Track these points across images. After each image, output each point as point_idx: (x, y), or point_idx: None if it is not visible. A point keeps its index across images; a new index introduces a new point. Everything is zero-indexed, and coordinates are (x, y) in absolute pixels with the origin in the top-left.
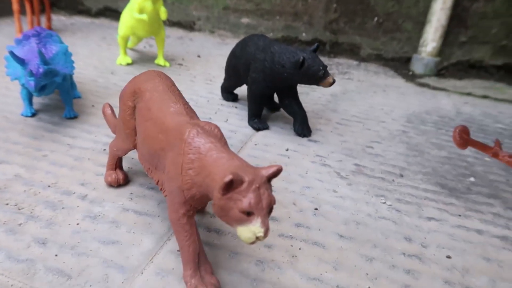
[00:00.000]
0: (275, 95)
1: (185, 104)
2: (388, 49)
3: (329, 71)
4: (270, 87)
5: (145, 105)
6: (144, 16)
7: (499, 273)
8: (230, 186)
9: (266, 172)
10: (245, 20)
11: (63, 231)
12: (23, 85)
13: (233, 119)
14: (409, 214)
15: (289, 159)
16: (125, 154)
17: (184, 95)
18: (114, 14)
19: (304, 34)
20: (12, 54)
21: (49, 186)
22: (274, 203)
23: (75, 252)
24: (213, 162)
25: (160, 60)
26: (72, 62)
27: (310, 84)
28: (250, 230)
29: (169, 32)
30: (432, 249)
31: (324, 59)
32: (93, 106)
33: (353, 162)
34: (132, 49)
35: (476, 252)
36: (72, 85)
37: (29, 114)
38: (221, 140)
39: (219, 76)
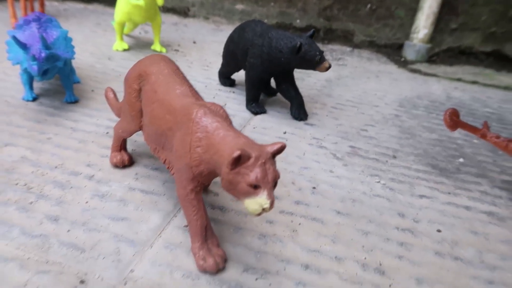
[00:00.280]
0: (272, 81)
1: (190, 86)
2: (381, 35)
3: None
4: (268, 72)
5: (151, 88)
6: (141, 2)
7: (486, 245)
8: (238, 161)
9: (271, 149)
10: (239, 6)
11: (73, 209)
12: (24, 69)
13: (231, 104)
14: (402, 192)
15: (287, 142)
16: (130, 135)
17: None
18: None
19: (298, 21)
20: (14, 39)
21: (56, 167)
22: (279, 177)
23: (86, 228)
24: (221, 140)
25: (157, 46)
26: (73, 47)
27: (307, 68)
28: (256, 202)
29: (163, 18)
30: (423, 224)
31: (318, 46)
32: (92, 91)
33: (348, 144)
34: (128, 35)
35: (465, 226)
36: (72, 70)
37: (30, 99)
38: (227, 119)
39: (215, 62)
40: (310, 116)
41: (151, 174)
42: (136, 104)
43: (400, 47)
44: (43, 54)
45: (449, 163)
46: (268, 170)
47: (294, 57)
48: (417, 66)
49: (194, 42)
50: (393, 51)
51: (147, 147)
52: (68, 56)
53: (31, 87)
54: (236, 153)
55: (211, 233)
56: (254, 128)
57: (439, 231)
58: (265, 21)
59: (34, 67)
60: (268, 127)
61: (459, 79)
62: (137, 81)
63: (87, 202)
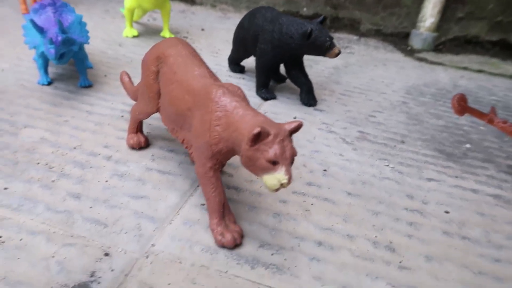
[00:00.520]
0: (281, 67)
1: (207, 68)
2: (388, 24)
3: None
4: (278, 58)
5: (169, 69)
6: None
7: (492, 226)
8: (258, 138)
9: (288, 127)
10: None
11: (94, 187)
12: (41, 53)
13: None
14: (410, 175)
15: None
16: (147, 117)
17: None
18: None
19: (305, 9)
20: (32, 22)
21: (74, 148)
22: (296, 154)
23: (107, 205)
24: (240, 118)
25: (166, 33)
26: (87, 31)
27: (317, 54)
28: (275, 177)
29: (171, 5)
30: (432, 206)
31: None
32: (105, 76)
33: (357, 130)
34: (136, 22)
35: (472, 208)
36: (85, 55)
37: (46, 83)
38: (245, 99)
39: (224, 49)
40: (319, 102)
41: (166, 155)
42: (154, 85)
43: (406, 35)
44: (59, 38)
45: (456, 149)
46: (286, 147)
47: (305, 43)
48: (423, 55)
49: (203, 30)
50: (399, 39)
51: (162, 130)
52: (83, 41)
53: (46, 72)
54: (256, 130)
55: (228, 210)
56: (264, 113)
57: (447, 212)
58: (266, 6)
59: (51, 51)
60: (278, 113)
61: (465, 68)
62: (155, 63)
63: (106, 181)
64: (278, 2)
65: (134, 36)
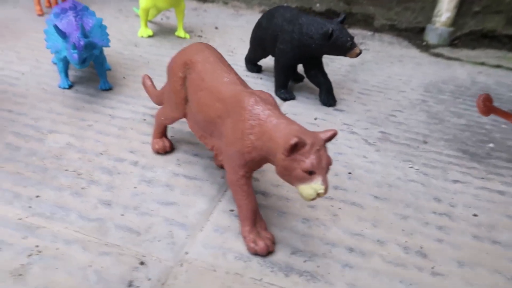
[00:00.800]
0: (299, 67)
1: (236, 74)
2: (402, 19)
3: None
4: (298, 58)
5: (197, 76)
6: None
7: None
8: (295, 148)
9: (324, 136)
10: None
11: (123, 193)
12: (64, 57)
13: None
14: (435, 177)
15: (318, 128)
16: (173, 122)
17: None
18: None
19: (318, 5)
20: (56, 27)
21: (101, 153)
22: (331, 163)
23: (138, 212)
24: (274, 127)
25: (181, 32)
26: (107, 35)
27: (338, 55)
28: (311, 187)
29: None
30: (459, 209)
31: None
32: (124, 78)
33: (379, 130)
34: (150, 21)
35: (499, 210)
36: (104, 58)
37: (67, 86)
38: (276, 107)
39: (240, 48)
40: (338, 102)
41: (192, 160)
42: (181, 92)
43: (421, 30)
44: (82, 43)
45: (480, 148)
46: (322, 157)
47: (325, 43)
48: (439, 50)
49: (216, 28)
50: (413, 35)
51: (185, 133)
52: (104, 44)
53: (66, 75)
54: (294, 140)
55: (259, 217)
56: (285, 114)
57: (475, 215)
58: (285, 5)
59: (74, 56)
60: (298, 113)
61: (482, 63)
62: (182, 69)
63: (135, 187)
64: None
65: (149, 36)
